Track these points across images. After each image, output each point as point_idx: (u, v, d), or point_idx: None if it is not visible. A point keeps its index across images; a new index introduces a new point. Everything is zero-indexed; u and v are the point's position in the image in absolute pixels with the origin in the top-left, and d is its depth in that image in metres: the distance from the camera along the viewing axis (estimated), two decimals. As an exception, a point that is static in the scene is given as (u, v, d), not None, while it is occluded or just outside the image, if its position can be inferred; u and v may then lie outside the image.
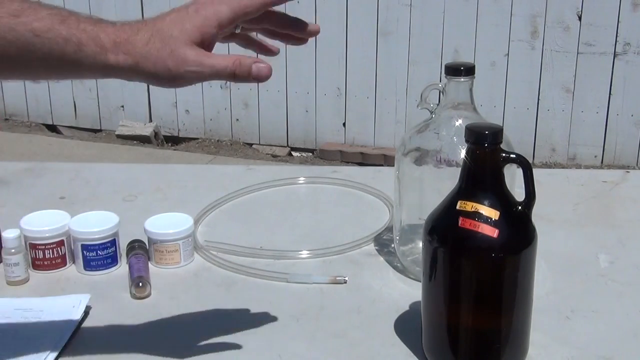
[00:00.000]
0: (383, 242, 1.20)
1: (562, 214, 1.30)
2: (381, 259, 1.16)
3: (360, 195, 1.39)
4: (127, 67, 0.74)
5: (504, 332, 0.87)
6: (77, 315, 0.99)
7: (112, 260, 1.13)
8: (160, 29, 0.74)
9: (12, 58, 0.73)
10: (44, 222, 1.13)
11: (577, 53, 3.81)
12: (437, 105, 1.07)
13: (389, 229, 1.22)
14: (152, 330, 0.99)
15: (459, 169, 0.87)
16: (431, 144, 1.06)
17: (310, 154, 4.36)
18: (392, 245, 1.17)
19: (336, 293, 1.07)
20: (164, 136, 4.56)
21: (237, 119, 4.41)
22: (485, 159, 0.85)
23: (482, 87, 3.84)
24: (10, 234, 1.09)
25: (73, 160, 4.05)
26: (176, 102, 4.47)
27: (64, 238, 1.13)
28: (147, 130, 4.48)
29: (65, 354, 0.93)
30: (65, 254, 1.13)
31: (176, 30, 0.74)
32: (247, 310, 1.03)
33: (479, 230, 0.83)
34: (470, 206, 0.84)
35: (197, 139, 4.50)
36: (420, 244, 0.93)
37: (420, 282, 0.91)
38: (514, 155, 0.86)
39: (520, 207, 0.86)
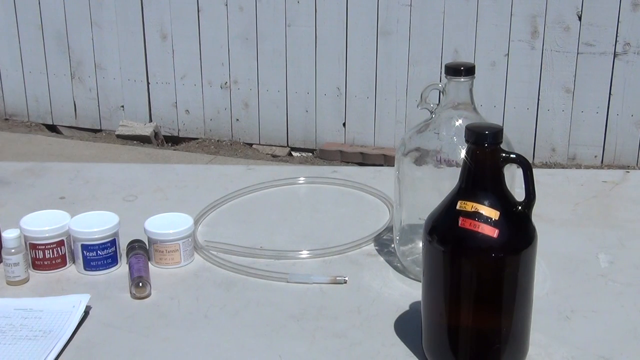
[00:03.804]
0: (383, 242, 1.20)
1: (562, 214, 1.30)
2: (381, 259, 1.16)
3: (360, 195, 1.39)
4: None
5: (504, 332, 0.87)
6: (77, 315, 0.99)
7: (112, 260, 1.13)
8: None
9: None
10: (44, 222, 1.13)
11: (577, 53, 3.81)
12: (437, 105, 1.07)
13: (389, 229, 1.22)
14: (152, 330, 0.99)
15: (459, 169, 0.87)
16: (431, 144, 1.06)
17: (310, 154, 4.35)
18: (392, 245, 1.17)
19: (336, 293, 1.07)
20: (164, 136, 4.56)
21: (237, 119, 4.40)
22: (485, 159, 0.85)
23: (482, 87, 3.84)
24: (10, 234, 1.09)
25: (73, 160, 4.05)
26: (176, 102, 4.47)
27: (64, 238, 1.13)
28: (147, 130, 4.48)
29: (65, 354, 0.93)
30: (65, 254, 1.13)
31: None
32: (247, 310, 1.03)
33: (479, 230, 0.83)
34: (470, 206, 0.84)
35: (197, 139, 4.50)
36: (420, 244, 0.93)
37: (420, 282, 0.91)
38: (514, 155, 0.86)
39: (520, 207, 0.86)
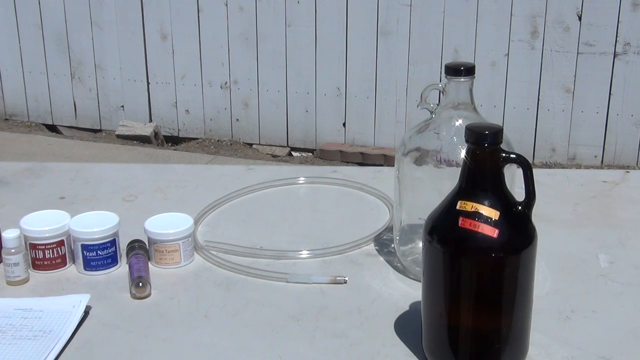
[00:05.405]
0: (383, 242, 1.20)
1: (562, 214, 1.30)
2: (381, 259, 1.16)
3: (360, 195, 1.39)
4: None
5: (504, 332, 0.87)
6: (77, 315, 0.99)
7: (112, 260, 1.13)
8: None
9: None
10: (44, 222, 1.13)
11: (577, 53, 3.81)
12: (437, 105, 1.07)
13: (389, 229, 1.22)
14: (152, 330, 0.99)
15: (459, 169, 0.87)
16: (431, 144, 1.06)
17: (310, 154, 4.35)
18: (392, 245, 1.17)
19: (336, 293, 1.07)
20: (164, 136, 4.56)
21: (237, 119, 4.40)
22: (485, 159, 0.85)
23: (482, 87, 3.84)
24: (10, 234, 1.09)
25: (73, 160, 4.05)
26: (176, 102, 4.47)
27: (64, 238, 1.13)
28: (147, 130, 4.48)
29: (65, 354, 0.93)
30: (65, 254, 1.13)
31: None
32: (247, 310, 1.03)
33: (479, 230, 0.83)
34: (470, 206, 0.84)
35: (197, 139, 4.50)
36: (420, 244, 0.93)
37: (420, 282, 0.91)
38: (514, 155, 0.86)
39: (520, 207, 0.86)
